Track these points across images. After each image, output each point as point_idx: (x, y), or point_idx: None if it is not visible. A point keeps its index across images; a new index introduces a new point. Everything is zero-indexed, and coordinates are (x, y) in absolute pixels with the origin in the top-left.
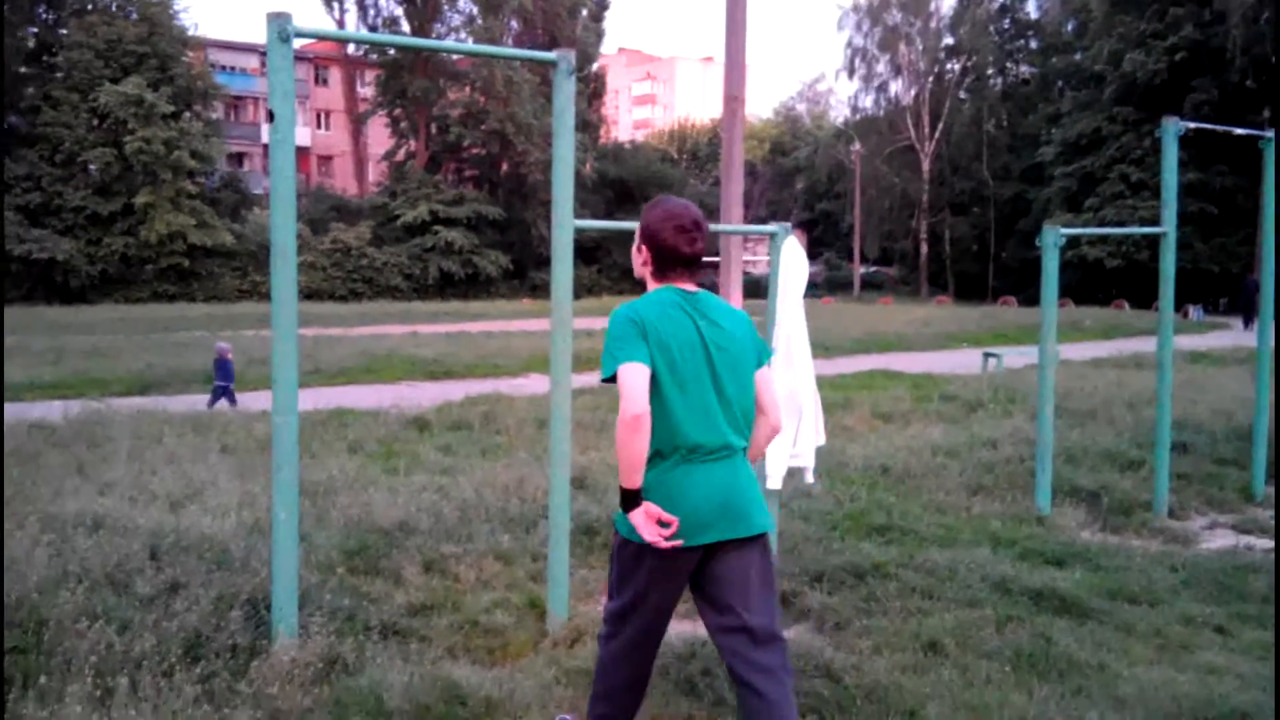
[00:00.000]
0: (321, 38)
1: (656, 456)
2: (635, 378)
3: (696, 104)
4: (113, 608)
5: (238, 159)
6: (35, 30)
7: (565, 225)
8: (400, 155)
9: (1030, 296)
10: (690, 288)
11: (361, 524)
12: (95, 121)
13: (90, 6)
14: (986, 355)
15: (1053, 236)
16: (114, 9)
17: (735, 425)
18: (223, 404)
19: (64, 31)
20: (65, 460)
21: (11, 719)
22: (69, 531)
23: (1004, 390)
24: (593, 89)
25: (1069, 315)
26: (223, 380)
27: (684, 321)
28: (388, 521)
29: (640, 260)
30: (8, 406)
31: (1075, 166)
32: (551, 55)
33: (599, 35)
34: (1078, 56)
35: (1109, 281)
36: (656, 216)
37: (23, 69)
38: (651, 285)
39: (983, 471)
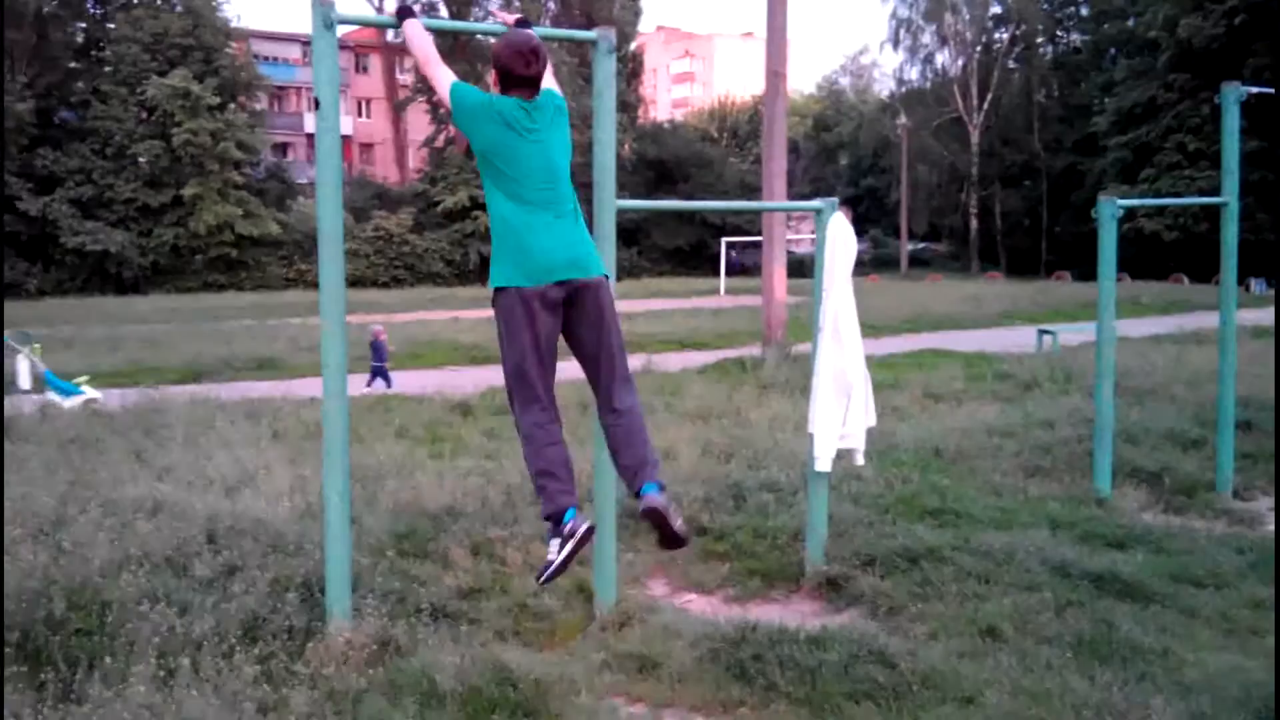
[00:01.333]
0: (364, 24)
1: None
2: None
3: (737, 81)
4: (173, 590)
5: (282, 149)
6: (84, 25)
7: (608, 206)
8: (440, 141)
9: (1085, 271)
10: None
11: (410, 508)
12: (144, 114)
13: (136, 0)
14: (1041, 332)
15: (1109, 208)
16: (159, 2)
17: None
18: (379, 384)
19: (112, 26)
20: (124, 447)
21: (78, 699)
22: (130, 516)
23: (1060, 368)
24: (631, 68)
25: (1126, 290)
26: (378, 361)
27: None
28: (435, 505)
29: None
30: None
31: (1130, 136)
32: (592, 34)
33: (636, 14)
34: (1131, 23)
35: (1167, 255)
36: (500, 44)
37: (73, 64)
38: None
39: (1039, 452)
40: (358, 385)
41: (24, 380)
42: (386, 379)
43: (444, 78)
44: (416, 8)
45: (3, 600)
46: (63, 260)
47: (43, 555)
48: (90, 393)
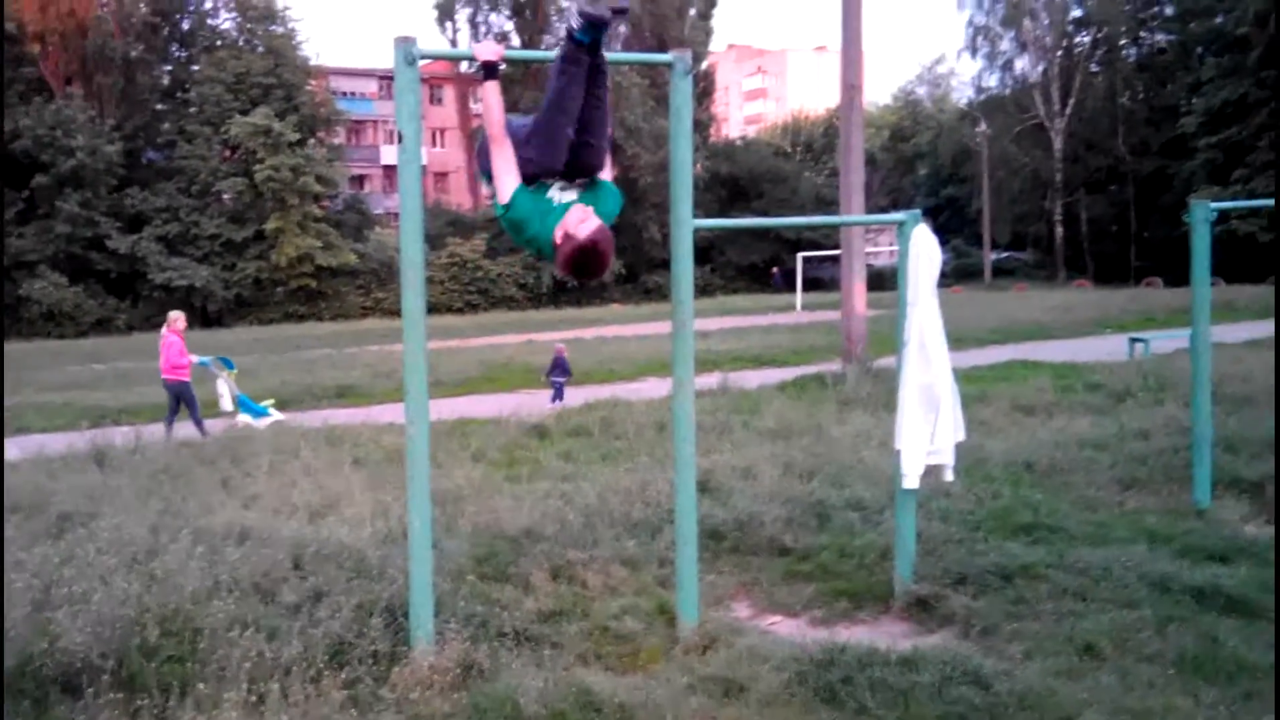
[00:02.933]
0: (445, 58)
1: None
2: None
3: (810, 95)
4: (262, 616)
5: (359, 181)
6: (169, 68)
7: (685, 225)
8: None
9: (1177, 276)
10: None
11: (489, 531)
12: (227, 152)
13: (219, 43)
14: (1133, 340)
15: (1202, 211)
16: (241, 43)
17: None
18: (556, 401)
19: (196, 68)
20: (212, 476)
21: None
22: (218, 543)
23: (1154, 377)
24: (702, 87)
25: (1220, 295)
26: (559, 376)
27: None
28: (514, 528)
29: None
30: (160, 427)
31: (1221, 136)
32: (668, 57)
33: (708, 33)
34: (1219, 20)
35: (1262, 257)
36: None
37: (159, 106)
38: None
39: (1135, 464)
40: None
41: (226, 403)
42: (560, 394)
43: (509, 173)
44: (493, 43)
45: (3, 614)
46: (150, 296)
47: (136, 584)
48: (276, 415)
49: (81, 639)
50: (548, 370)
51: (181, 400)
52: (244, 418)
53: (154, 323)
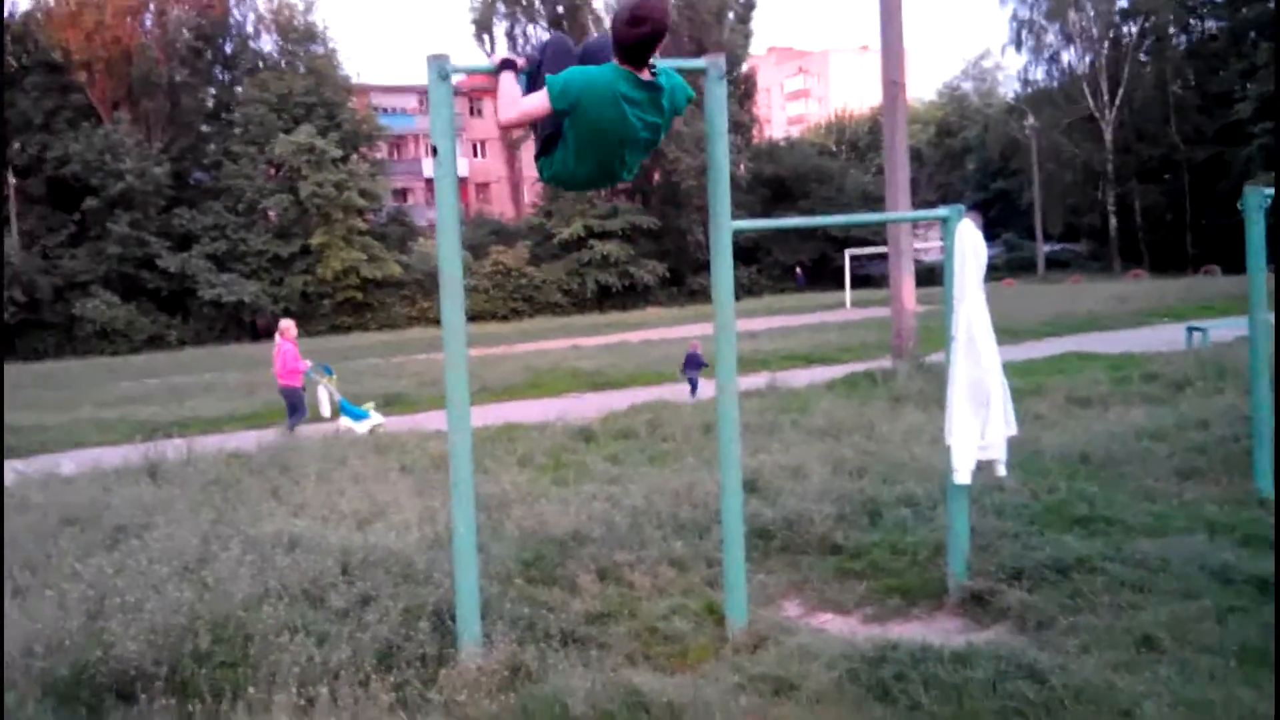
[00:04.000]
0: (477, 72)
1: None
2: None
3: (853, 93)
4: (311, 621)
5: (402, 194)
6: (214, 91)
7: (724, 227)
8: None
9: (1235, 264)
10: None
11: (536, 535)
12: (272, 170)
13: (262, 64)
14: (1190, 330)
15: (1257, 198)
16: (284, 65)
17: None
18: (692, 393)
19: (240, 90)
20: (261, 485)
21: None
22: (268, 551)
23: (1212, 366)
24: (743, 90)
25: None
26: (693, 370)
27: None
28: (560, 531)
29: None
30: (211, 438)
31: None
32: (701, 62)
33: (747, 36)
34: (1270, 3)
35: None
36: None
37: (204, 127)
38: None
39: (1194, 454)
40: (547, 409)
41: (325, 408)
42: (695, 387)
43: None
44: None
45: (2, 615)
46: (201, 311)
47: (188, 591)
48: (377, 417)
49: (135, 646)
50: (682, 365)
51: (289, 403)
52: (345, 421)
53: (204, 338)
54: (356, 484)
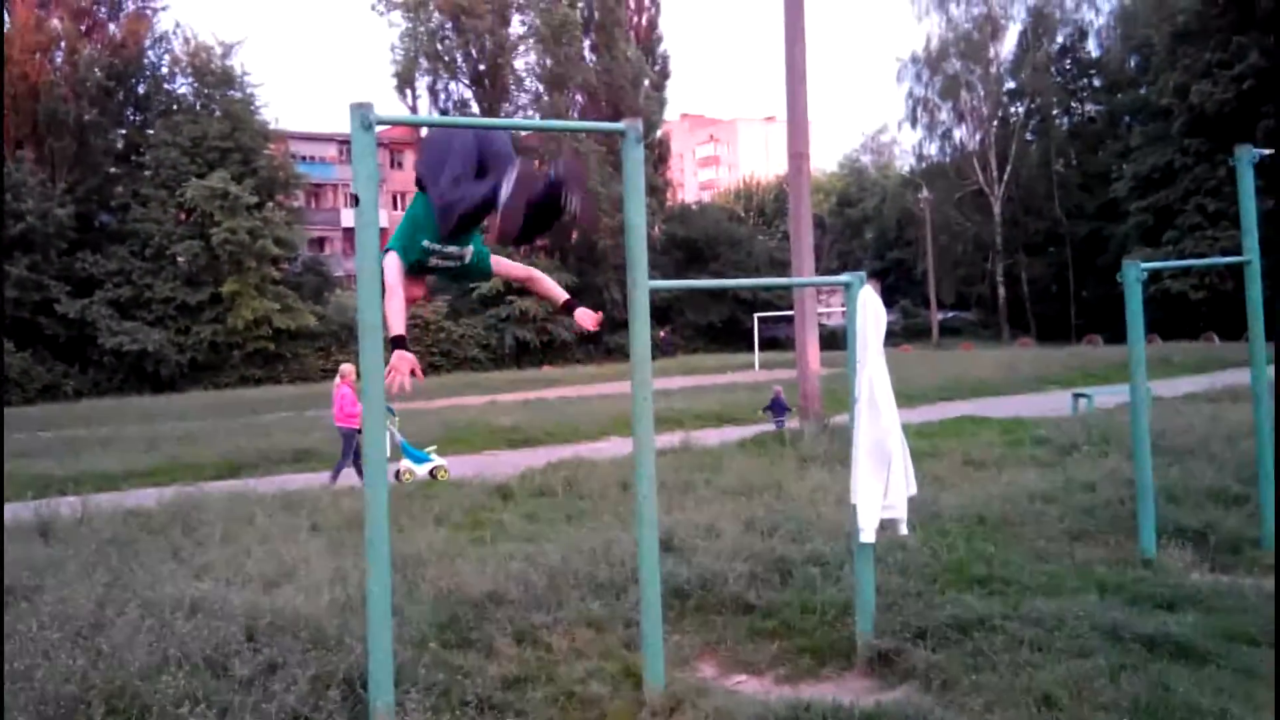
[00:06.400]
0: (401, 123)
1: None
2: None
3: (760, 162)
4: (213, 691)
5: (319, 243)
6: (124, 132)
7: (641, 286)
8: None
9: (1116, 334)
10: None
11: (452, 596)
12: (182, 215)
13: (176, 107)
14: (1076, 396)
15: (1134, 272)
16: (198, 108)
17: None
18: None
19: (151, 132)
20: (162, 546)
21: None
22: (168, 616)
23: (1097, 431)
24: (658, 154)
25: (1157, 351)
26: (780, 415)
27: None
28: (477, 592)
29: None
30: (108, 496)
31: (1150, 200)
32: (620, 125)
33: (661, 103)
34: (1143, 91)
35: (1195, 315)
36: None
37: (112, 169)
38: None
39: (1083, 515)
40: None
41: (386, 450)
42: (780, 426)
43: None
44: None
45: (3, 637)
46: (100, 361)
47: (81, 659)
48: (438, 460)
49: (24, 719)
50: (767, 406)
51: (347, 444)
52: (406, 463)
53: (103, 388)
54: (264, 543)
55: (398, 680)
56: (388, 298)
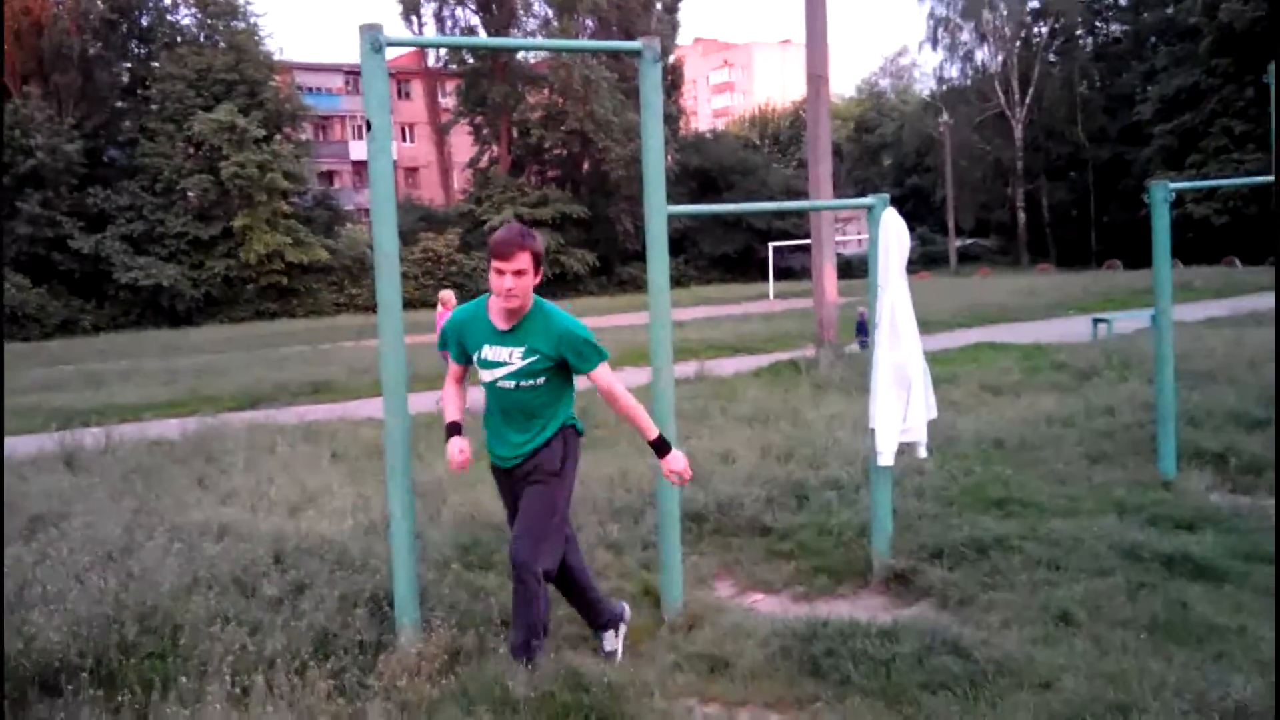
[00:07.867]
0: (413, 45)
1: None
2: None
3: (776, 88)
4: (243, 610)
5: (328, 177)
6: (129, 65)
7: (658, 212)
8: (484, 162)
9: (1136, 259)
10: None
11: (473, 521)
12: (191, 149)
13: (180, 39)
14: (1096, 321)
15: (1162, 192)
16: (203, 39)
17: None
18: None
19: (156, 65)
20: (187, 474)
21: None
22: (196, 540)
23: (1117, 355)
24: (670, 80)
25: (1178, 276)
26: (864, 335)
27: None
28: (498, 517)
29: (535, 280)
30: (130, 426)
31: (1175, 123)
32: (636, 45)
33: (674, 27)
34: (1170, 10)
35: (1217, 239)
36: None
37: (119, 103)
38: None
39: (1102, 439)
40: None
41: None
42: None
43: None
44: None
45: (2, 610)
46: (116, 296)
47: (112, 581)
48: None
49: (58, 638)
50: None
51: None
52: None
53: (120, 323)
54: (286, 472)
55: (422, 599)
56: (444, 388)
